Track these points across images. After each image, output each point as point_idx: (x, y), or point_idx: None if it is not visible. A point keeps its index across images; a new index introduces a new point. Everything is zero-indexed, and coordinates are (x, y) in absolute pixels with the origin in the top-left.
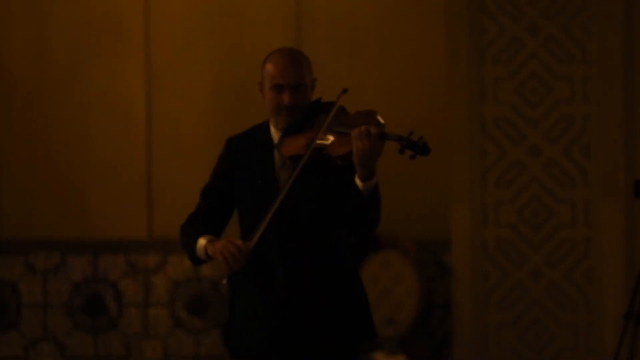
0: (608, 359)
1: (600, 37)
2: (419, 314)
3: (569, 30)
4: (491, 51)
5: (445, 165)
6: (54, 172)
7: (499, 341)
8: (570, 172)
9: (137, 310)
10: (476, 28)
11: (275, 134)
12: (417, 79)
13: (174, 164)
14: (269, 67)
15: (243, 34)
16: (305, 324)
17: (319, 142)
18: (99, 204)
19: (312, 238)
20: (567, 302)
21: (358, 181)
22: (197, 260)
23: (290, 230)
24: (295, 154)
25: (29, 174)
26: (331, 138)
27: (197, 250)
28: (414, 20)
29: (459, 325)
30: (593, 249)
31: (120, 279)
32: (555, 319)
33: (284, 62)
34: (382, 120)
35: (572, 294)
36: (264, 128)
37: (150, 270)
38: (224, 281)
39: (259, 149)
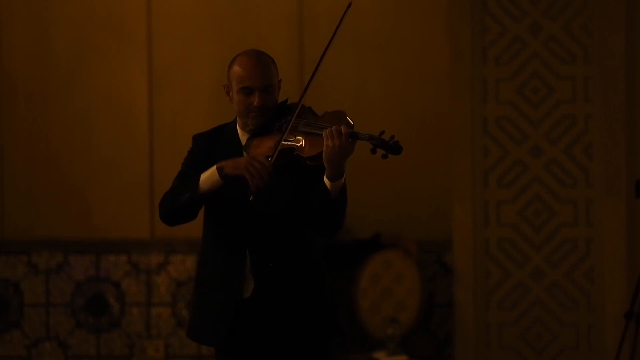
0: (609, 358)
1: (602, 37)
2: (421, 313)
3: (571, 30)
4: (493, 51)
5: (447, 165)
6: (57, 171)
7: (500, 341)
8: (571, 172)
9: (139, 310)
10: (478, 28)
11: (242, 135)
12: (419, 79)
13: (176, 164)
14: (237, 69)
15: (245, 34)
16: (268, 320)
17: (286, 143)
18: (101, 204)
19: (282, 236)
20: (569, 302)
21: (326, 180)
22: (196, 202)
23: (260, 229)
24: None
25: (32, 173)
26: (301, 139)
27: (203, 180)
28: (416, 21)
29: (460, 325)
30: (594, 249)
31: (122, 278)
32: (556, 318)
33: (252, 64)
34: (351, 121)
35: (574, 294)
36: (230, 128)
37: (152, 270)
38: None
39: (227, 149)
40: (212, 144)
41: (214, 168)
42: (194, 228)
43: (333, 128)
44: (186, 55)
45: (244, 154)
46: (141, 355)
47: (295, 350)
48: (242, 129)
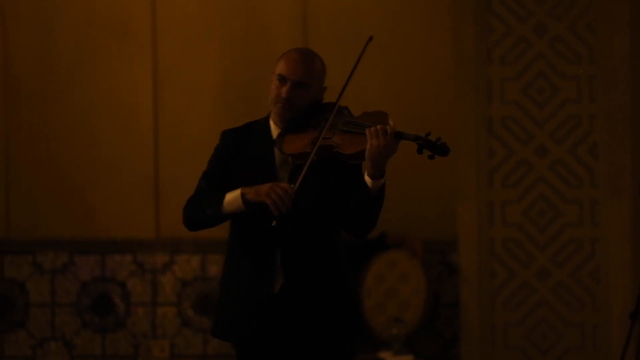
0: (615, 358)
1: (607, 37)
2: (426, 313)
3: (576, 30)
4: (498, 51)
5: (452, 165)
6: (61, 172)
7: (505, 341)
8: (576, 171)
9: (144, 310)
10: (483, 28)
11: (274, 129)
12: (423, 79)
13: (180, 163)
14: (282, 59)
15: (250, 34)
16: (297, 320)
17: (325, 140)
18: (106, 204)
19: (313, 234)
20: (574, 302)
21: (367, 179)
22: (220, 219)
23: (292, 227)
24: (299, 152)
25: (36, 174)
26: (340, 137)
27: (227, 202)
28: (420, 21)
29: (465, 325)
30: (600, 249)
31: (128, 278)
32: (562, 318)
33: (296, 57)
34: (392, 122)
35: (579, 294)
36: (262, 123)
37: (157, 270)
38: (273, 223)
39: (257, 143)
40: (241, 140)
41: (238, 192)
42: None
43: (378, 127)
44: (190, 55)
45: (275, 149)
46: (146, 355)
47: (320, 348)
48: (275, 123)
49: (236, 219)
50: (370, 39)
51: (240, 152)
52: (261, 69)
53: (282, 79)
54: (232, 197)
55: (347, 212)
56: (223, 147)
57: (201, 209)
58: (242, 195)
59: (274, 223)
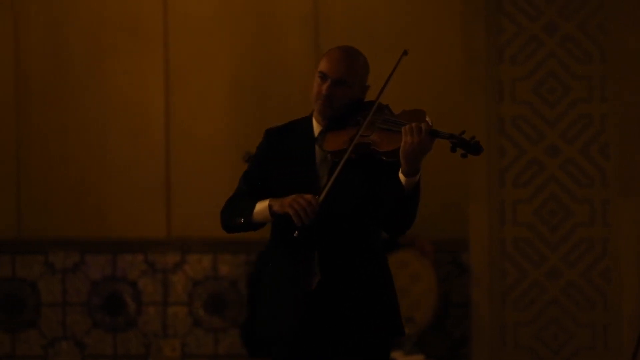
0: (625, 358)
1: (618, 36)
2: (437, 313)
3: (587, 29)
4: (509, 50)
5: (463, 165)
6: (73, 171)
7: (516, 340)
8: (588, 171)
9: (156, 309)
10: (493, 27)
11: (317, 127)
12: (434, 78)
13: (192, 163)
14: (324, 57)
15: (261, 33)
16: (335, 316)
17: (362, 138)
18: (117, 203)
19: (350, 232)
20: (585, 302)
21: (401, 176)
22: (252, 226)
23: (330, 224)
24: (337, 149)
25: (48, 173)
26: (378, 134)
27: (256, 213)
28: (431, 20)
29: (476, 325)
30: (611, 249)
31: (139, 278)
32: (572, 318)
33: (338, 55)
34: (430, 120)
35: (590, 294)
36: (306, 121)
37: (169, 270)
38: (295, 234)
39: (299, 141)
40: (283, 138)
41: (266, 203)
42: (210, 228)
43: (413, 124)
44: (202, 55)
45: (316, 147)
46: (157, 354)
47: (356, 346)
48: (317, 121)
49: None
50: (405, 53)
51: (281, 151)
52: (273, 69)
53: (323, 76)
54: (260, 207)
55: (383, 211)
56: (265, 145)
57: (233, 216)
58: (269, 206)
59: (295, 234)
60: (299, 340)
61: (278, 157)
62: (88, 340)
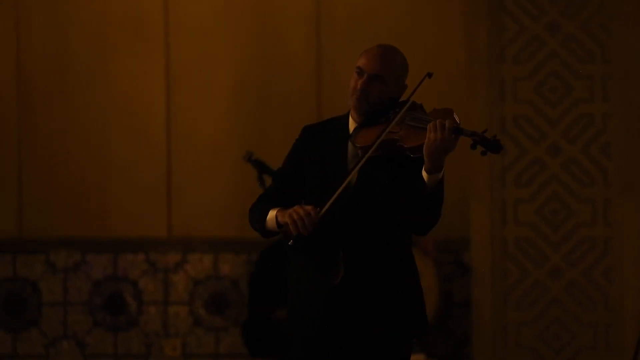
0: (628, 358)
1: (620, 36)
2: (439, 313)
3: (589, 28)
4: (511, 50)
5: (465, 164)
6: (74, 171)
7: (518, 340)
8: (589, 170)
9: (157, 309)
10: (496, 27)
11: (352, 124)
12: (436, 77)
13: (193, 163)
14: (363, 54)
15: (263, 34)
16: (357, 313)
17: (390, 134)
18: (119, 203)
19: (376, 229)
20: (587, 301)
21: (424, 173)
22: (267, 233)
23: (355, 220)
24: (365, 145)
25: (50, 172)
26: (405, 131)
27: (268, 221)
28: (434, 19)
29: (478, 324)
30: (612, 248)
31: (140, 277)
32: (574, 317)
33: (376, 51)
34: (457, 119)
35: (592, 293)
36: (342, 119)
37: (170, 269)
38: (290, 242)
39: (334, 138)
40: (319, 135)
41: (274, 213)
42: (211, 227)
43: (437, 121)
44: (203, 55)
45: (349, 143)
46: (159, 354)
47: (377, 344)
48: (353, 118)
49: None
50: (429, 75)
51: (316, 148)
52: (275, 69)
53: (360, 72)
54: (270, 216)
55: (408, 209)
56: (299, 143)
57: (253, 221)
58: (276, 216)
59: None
60: (321, 336)
61: (312, 154)
62: (89, 339)
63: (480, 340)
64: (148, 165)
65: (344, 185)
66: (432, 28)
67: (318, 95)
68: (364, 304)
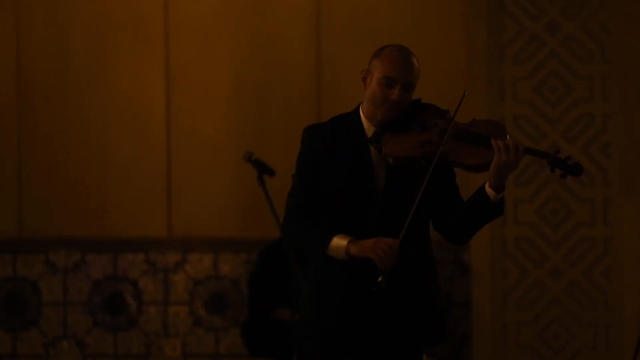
0: (627, 358)
1: (620, 36)
2: None
3: (589, 28)
4: (511, 50)
5: None
6: (74, 171)
7: (518, 340)
8: (589, 170)
9: (157, 309)
10: (495, 27)
11: (368, 126)
12: (436, 77)
13: (193, 163)
14: (385, 59)
15: (263, 33)
16: (387, 318)
17: (434, 147)
18: (118, 203)
19: (410, 234)
20: (587, 301)
21: (490, 190)
22: (323, 255)
23: (390, 228)
24: (406, 156)
25: (49, 173)
26: (453, 144)
27: (333, 249)
28: (434, 19)
29: (478, 324)
30: (612, 248)
31: (140, 277)
32: (574, 317)
33: (401, 57)
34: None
35: (592, 293)
36: (352, 119)
37: (170, 269)
38: (380, 279)
39: (350, 140)
40: (332, 136)
41: (344, 243)
42: (211, 227)
43: (509, 143)
44: (203, 55)
45: (370, 147)
46: (158, 354)
47: (399, 346)
48: (369, 120)
49: (334, 222)
50: (464, 94)
51: (332, 149)
52: (274, 69)
53: (390, 82)
54: (337, 244)
55: (457, 218)
56: (312, 145)
57: (307, 242)
58: (347, 249)
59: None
60: (349, 337)
61: (329, 156)
62: (89, 339)
63: (480, 340)
64: (148, 165)
65: (413, 209)
66: (432, 28)
67: (318, 95)
68: (393, 310)
